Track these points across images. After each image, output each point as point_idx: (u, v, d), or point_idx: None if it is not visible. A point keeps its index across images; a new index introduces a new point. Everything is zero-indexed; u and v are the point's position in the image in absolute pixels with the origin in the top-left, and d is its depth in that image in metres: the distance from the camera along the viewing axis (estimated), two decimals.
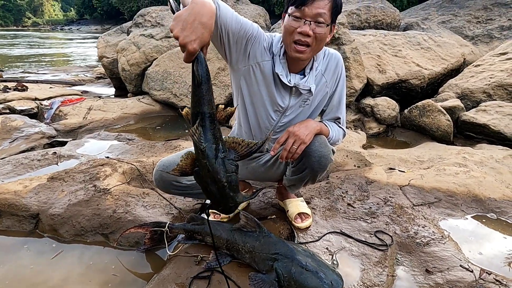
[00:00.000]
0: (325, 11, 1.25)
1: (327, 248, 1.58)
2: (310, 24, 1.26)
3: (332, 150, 1.48)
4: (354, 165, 2.48)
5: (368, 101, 3.32)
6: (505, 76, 3.11)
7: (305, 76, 1.43)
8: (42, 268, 1.52)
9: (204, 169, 0.95)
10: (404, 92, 3.65)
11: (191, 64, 0.95)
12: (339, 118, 1.60)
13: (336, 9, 1.31)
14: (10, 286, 1.42)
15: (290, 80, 1.40)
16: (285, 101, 1.45)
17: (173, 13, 0.98)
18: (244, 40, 1.33)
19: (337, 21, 3.23)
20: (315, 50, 1.35)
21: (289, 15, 1.29)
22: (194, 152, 0.98)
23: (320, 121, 1.55)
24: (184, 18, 0.92)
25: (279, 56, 1.39)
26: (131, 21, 5.24)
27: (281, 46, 1.39)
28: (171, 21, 0.94)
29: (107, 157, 2.52)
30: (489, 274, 1.41)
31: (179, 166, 0.97)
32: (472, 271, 1.42)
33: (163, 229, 1.58)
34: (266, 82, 1.42)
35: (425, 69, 3.64)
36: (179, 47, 0.92)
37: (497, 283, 1.36)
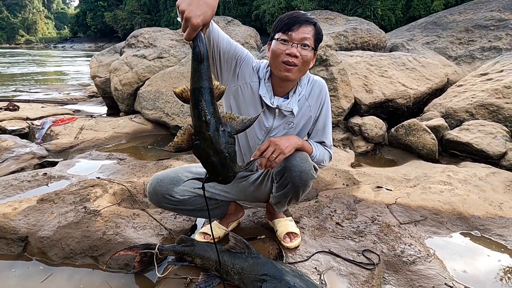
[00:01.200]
0: (310, 36, 1.38)
1: (315, 268, 1.60)
2: (297, 47, 1.36)
3: (314, 167, 1.52)
4: (343, 184, 2.52)
5: (356, 120, 3.41)
6: (486, 96, 3.24)
7: (288, 98, 1.50)
8: None
9: (208, 141, 1.01)
10: (391, 111, 3.75)
11: (192, 41, 1.00)
12: (324, 142, 1.66)
13: (318, 37, 1.42)
14: None
15: (273, 102, 1.47)
16: (269, 122, 1.53)
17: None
18: (234, 60, 1.42)
19: (325, 44, 3.31)
20: (301, 71, 1.44)
21: (276, 40, 1.40)
22: (191, 127, 1.03)
23: (305, 140, 1.61)
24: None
25: (265, 80, 1.48)
26: (124, 42, 5.33)
27: (267, 71, 1.48)
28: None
29: (98, 178, 2.53)
30: None
31: (174, 142, 1.02)
32: None
33: (152, 251, 1.59)
34: (254, 102, 1.49)
35: (411, 88, 3.76)
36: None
37: None
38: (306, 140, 1.62)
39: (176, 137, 1.03)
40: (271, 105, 1.47)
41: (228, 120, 1.07)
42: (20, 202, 2.07)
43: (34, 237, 1.78)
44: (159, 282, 1.51)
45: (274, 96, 1.49)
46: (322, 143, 1.66)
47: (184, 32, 1.00)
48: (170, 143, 1.02)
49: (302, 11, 1.45)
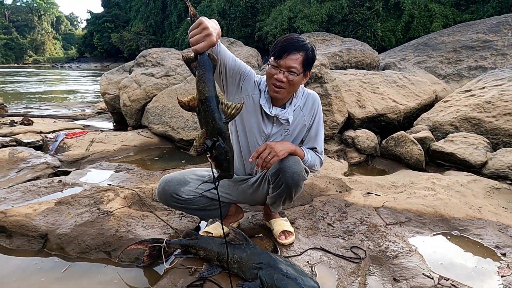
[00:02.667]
0: (296, 64, 1.58)
1: (307, 262, 1.76)
2: (284, 73, 1.59)
3: (306, 170, 1.72)
4: (336, 190, 2.71)
5: (350, 133, 3.63)
6: (469, 110, 3.48)
7: (285, 109, 1.73)
8: (52, 281, 1.69)
9: (227, 140, 1.22)
10: (383, 125, 3.98)
11: (199, 55, 1.17)
12: (316, 148, 1.86)
13: (307, 61, 1.62)
14: None
15: (271, 111, 1.70)
16: (268, 129, 1.74)
17: (194, 17, 1.22)
18: (238, 75, 1.66)
19: (320, 63, 3.58)
20: (290, 92, 1.68)
21: (269, 64, 1.64)
22: (205, 131, 1.21)
23: (299, 146, 1.82)
24: (209, 21, 1.20)
25: (265, 92, 1.71)
26: (133, 61, 5.65)
27: (266, 85, 1.71)
28: (201, 18, 1.19)
29: (109, 184, 2.73)
30: (447, 280, 1.61)
31: (194, 147, 1.20)
32: (432, 278, 1.62)
33: (160, 245, 1.77)
34: (255, 112, 1.72)
35: (401, 104, 4.00)
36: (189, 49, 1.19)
37: (452, 287, 1.57)
38: (300, 146, 1.83)
39: (195, 141, 1.21)
40: (269, 113, 1.69)
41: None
42: (40, 204, 2.26)
43: (53, 235, 1.96)
44: (166, 272, 1.67)
45: (272, 106, 1.72)
46: (314, 149, 1.87)
47: (193, 46, 1.16)
48: (192, 148, 1.20)
49: (296, 35, 1.64)
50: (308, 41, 1.64)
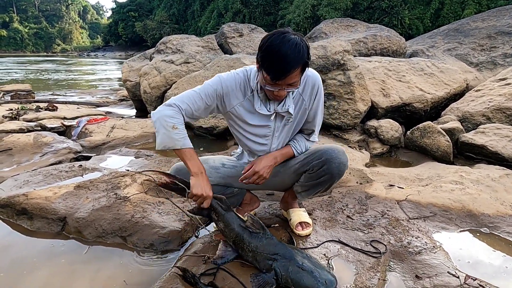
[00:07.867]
0: (296, 79, 1.42)
1: (324, 254, 1.70)
2: (284, 89, 1.44)
3: None
4: (357, 182, 2.61)
5: (372, 123, 3.49)
6: (503, 100, 3.25)
7: (283, 100, 1.58)
8: (72, 262, 1.74)
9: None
10: (408, 115, 3.80)
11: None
12: (313, 131, 1.78)
13: (304, 67, 1.42)
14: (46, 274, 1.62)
15: (269, 109, 1.59)
16: (270, 128, 1.66)
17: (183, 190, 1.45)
18: (216, 103, 1.60)
19: (343, 49, 3.40)
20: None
21: (264, 78, 1.41)
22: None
23: (287, 144, 1.76)
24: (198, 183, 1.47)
25: (257, 91, 1.57)
26: (153, 48, 5.66)
27: (257, 82, 1.54)
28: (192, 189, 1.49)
29: (127, 170, 2.75)
30: (474, 280, 1.51)
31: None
32: (458, 277, 1.52)
33: (184, 192, 1.60)
34: (251, 114, 1.62)
35: (428, 93, 3.80)
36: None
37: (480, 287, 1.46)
38: (288, 144, 1.75)
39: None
40: (268, 112, 1.59)
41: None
42: (60, 188, 2.31)
43: (71, 218, 2.00)
44: (180, 259, 1.66)
45: (269, 102, 1.59)
46: (311, 131, 1.78)
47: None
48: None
49: (288, 41, 1.34)
50: (298, 40, 1.36)
